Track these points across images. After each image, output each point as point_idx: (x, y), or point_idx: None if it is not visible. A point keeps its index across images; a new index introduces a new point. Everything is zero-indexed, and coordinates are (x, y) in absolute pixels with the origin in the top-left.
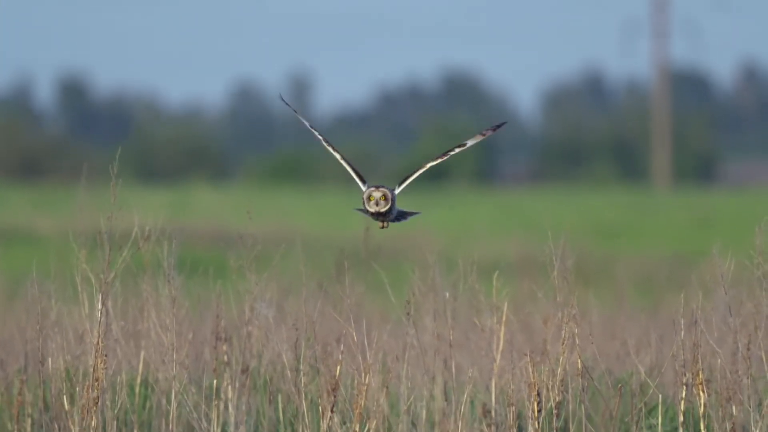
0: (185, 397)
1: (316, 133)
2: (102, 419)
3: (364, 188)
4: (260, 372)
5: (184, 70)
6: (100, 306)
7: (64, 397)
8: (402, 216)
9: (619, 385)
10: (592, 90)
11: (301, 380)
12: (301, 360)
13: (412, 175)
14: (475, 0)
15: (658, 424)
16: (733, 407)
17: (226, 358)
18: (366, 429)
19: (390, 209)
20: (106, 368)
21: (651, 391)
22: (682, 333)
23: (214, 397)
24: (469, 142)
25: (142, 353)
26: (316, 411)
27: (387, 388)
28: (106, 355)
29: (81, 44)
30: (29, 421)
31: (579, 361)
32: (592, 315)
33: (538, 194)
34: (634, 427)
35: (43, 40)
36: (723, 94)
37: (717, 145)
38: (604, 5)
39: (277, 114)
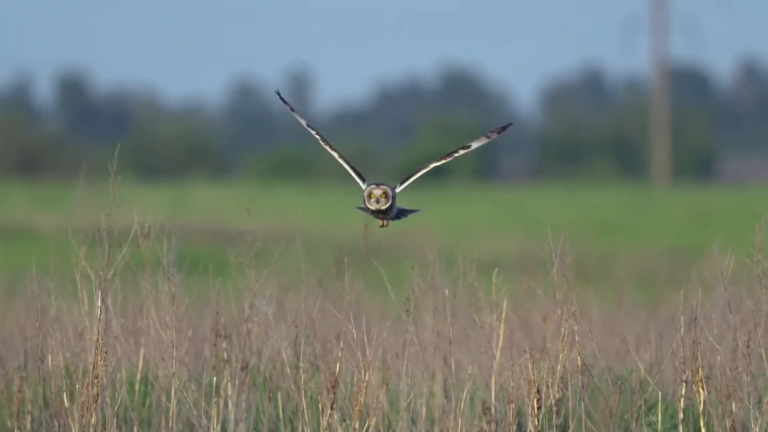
0: (185, 394)
1: (314, 132)
2: (102, 416)
3: (363, 186)
4: (260, 369)
5: (183, 68)
6: (99, 303)
7: (64, 394)
8: (402, 213)
9: (619, 383)
10: (591, 87)
11: (300, 377)
12: (301, 357)
13: (414, 174)
14: None
15: (657, 421)
16: (733, 404)
17: (225, 355)
18: (366, 426)
19: (390, 207)
20: (105, 365)
21: (651, 388)
22: (682, 330)
23: (213, 394)
24: (474, 144)
25: (142, 350)
26: (316, 408)
27: (387, 385)
28: (105, 352)
29: (80, 41)
30: (29, 418)
31: (579, 358)
32: (591, 312)
33: (537, 191)
34: (634, 424)
35: (42, 38)
36: (722, 91)
37: (716, 142)
38: (603, 2)
39: (277, 111)
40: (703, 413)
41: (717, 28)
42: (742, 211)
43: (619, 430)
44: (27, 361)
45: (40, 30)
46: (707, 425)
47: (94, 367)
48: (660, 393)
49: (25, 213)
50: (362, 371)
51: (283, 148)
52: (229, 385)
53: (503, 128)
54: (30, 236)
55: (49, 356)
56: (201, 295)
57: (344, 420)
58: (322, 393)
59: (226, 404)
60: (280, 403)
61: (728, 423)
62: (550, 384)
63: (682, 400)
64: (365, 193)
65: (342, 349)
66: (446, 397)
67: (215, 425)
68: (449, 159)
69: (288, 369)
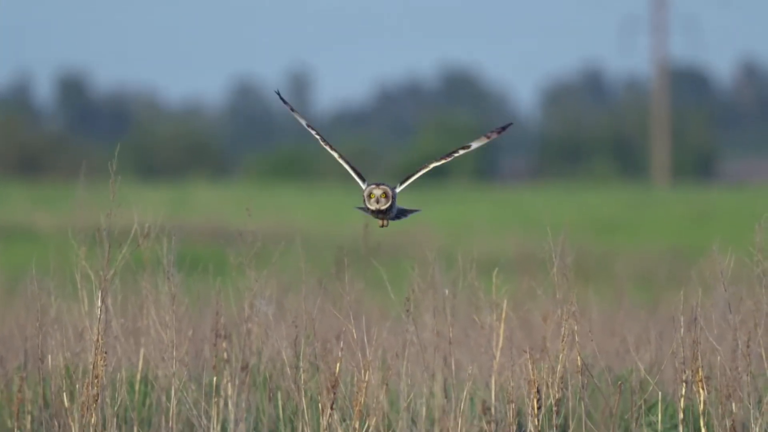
0: (185, 395)
1: (314, 132)
2: (102, 416)
3: (363, 186)
4: (260, 369)
5: (183, 68)
6: (99, 303)
7: (64, 394)
8: (402, 213)
9: (619, 383)
10: (591, 87)
11: (300, 377)
12: (301, 357)
13: (414, 174)
14: None
15: (657, 421)
16: (733, 404)
17: (225, 355)
18: (366, 426)
19: (390, 207)
20: (105, 365)
21: (651, 388)
22: (682, 330)
23: (213, 394)
24: (474, 145)
25: (142, 350)
26: (316, 408)
27: (387, 385)
28: (105, 352)
29: (81, 41)
30: (29, 418)
31: (579, 358)
32: (591, 312)
33: (537, 191)
34: (634, 424)
35: (42, 38)
36: (722, 91)
37: (716, 141)
38: (603, 2)
39: (277, 111)
40: (703, 413)
41: (717, 28)
42: (742, 210)
43: (619, 430)
44: (27, 361)
45: (40, 30)
46: (707, 425)
47: (94, 367)
48: (660, 393)
49: (25, 213)
50: (362, 371)
51: (283, 148)
52: (229, 385)
53: (503, 128)
54: (30, 236)
55: (49, 356)
56: (201, 295)
57: (344, 420)
58: (322, 393)
59: (226, 404)
60: (280, 403)
61: (728, 423)
62: (550, 384)
63: (682, 400)
64: (365, 193)
65: (342, 349)
66: (446, 397)
67: (215, 425)
68: (449, 159)
69: (288, 369)
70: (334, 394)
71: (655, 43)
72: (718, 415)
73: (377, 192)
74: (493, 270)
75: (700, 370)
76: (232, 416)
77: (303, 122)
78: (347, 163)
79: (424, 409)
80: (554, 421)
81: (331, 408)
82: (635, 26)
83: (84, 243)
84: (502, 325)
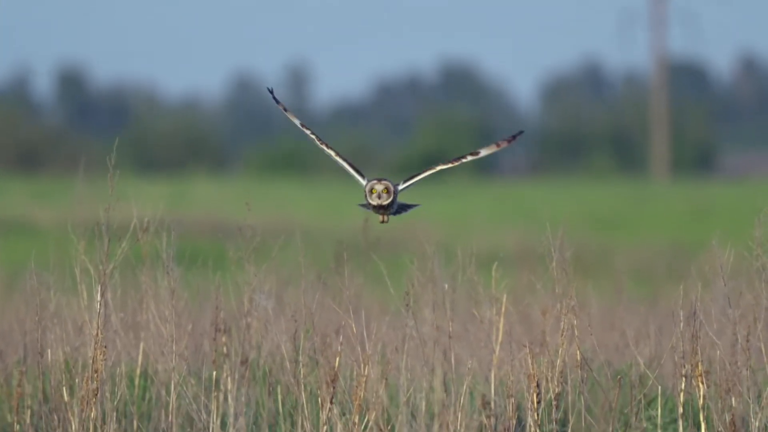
0: (185, 389)
1: (308, 132)
2: (101, 411)
3: (363, 182)
4: (259, 363)
5: (182, 62)
6: (99, 297)
7: (64, 388)
8: (402, 208)
9: (619, 377)
10: (590, 82)
11: (300, 371)
12: (300, 351)
13: (419, 174)
14: None
15: (657, 415)
16: (733, 399)
17: (225, 349)
18: (365, 420)
19: (392, 202)
20: (105, 360)
21: (650, 382)
22: (682, 324)
23: (213, 388)
24: (483, 152)
25: (142, 345)
26: (316, 402)
27: (386, 379)
28: (105, 347)
29: (80, 36)
30: (29, 412)
31: (578, 352)
32: (591, 306)
33: (537, 185)
34: (634, 418)
35: (41, 32)
36: (721, 86)
37: (715, 136)
38: None
39: (276, 106)
40: (703, 407)
41: (716, 23)
42: (741, 205)
43: (618, 424)
44: (26, 356)
45: (39, 25)
46: (707, 420)
47: (93, 362)
48: (659, 387)
49: (24, 207)
50: (362, 365)
51: (282, 142)
52: (229, 379)
53: (513, 137)
54: (29, 231)
55: (49, 351)
56: (200, 289)
57: (344, 414)
58: (321, 387)
59: (225, 398)
60: (279, 397)
61: (728, 417)
62: (549, 378)
63: (682, 394)
64: (367, 189)
65: (341, 344)
66: (446, 391)
67: (215, 419)
68: (456, 164)
69: (287, 363)
70: (334, 388)
71: (655, 38)
72: (717, 409)
73: (379, 187)
74: (493, 264)
75: (699, 364)
76: (231, 410)
77: (297, 122)
78: (345, 161)
79: (423, 403)
80: (554, 416)
81: (331, 402)
82: (634, 21)
83: (83, 237)
84: (502, 319)
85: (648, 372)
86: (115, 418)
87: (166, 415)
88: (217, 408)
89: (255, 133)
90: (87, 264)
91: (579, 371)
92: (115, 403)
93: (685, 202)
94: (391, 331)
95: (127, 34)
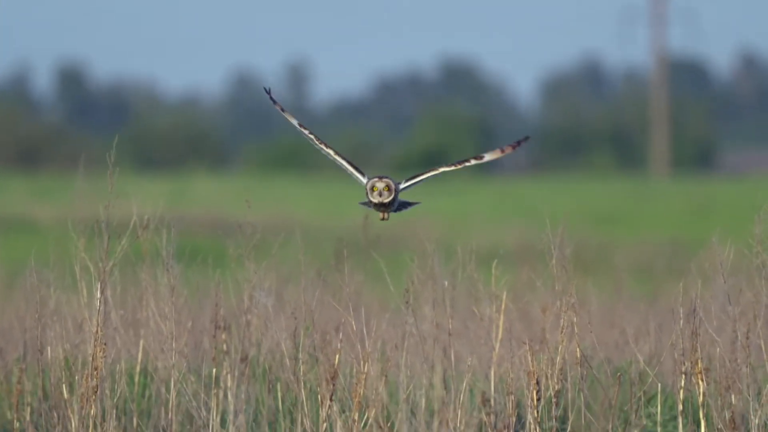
0: (184, 386)
1: (306, 132)
2: (101, 408)
3: (364, 181)
4: (259, 361)
5: (182, 59)
6: (98, 295)
7: (64, 385)
8: (403, 206)
9: (618, 374)
10: (590, 79)
11: (300, 369)
12: (300, 349)
13: (422, 174)
14: None
15: (657, 412)
16: (732, 396)
17: (225, 346)
18: (365, 417)
19: (393, 200)
20: (105, 357)
21: (650, 379)
22: (681, 322)
23: (213, 385)
24: (487, 156)
25: (141, 342)
26: (315, 399)
27: (386, 376)
28: (105, 344)
29: (79, 33)
30: (28, 409)
31: (578, 349)
32: (590, 303)
33: (536, 183)
34: (633, 415)
35: (41, 29)
36: (721, 83)
37: (715, 133)
38: None
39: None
40: (703, 405)
41: (716, 19)
42: (741, 202)
43: (618, 421)
44: (26, 353)
45: (39, 22)
46: (706, 417)
47: (93, 359)
48: (659, 384)
49: (24, 205)
50: (361, 363)
51: (282, 139)
52: (229, 376)
53: (518, 143)
54: (29, 228)
55: (49, 348)
56: (200, 286)
57: (343, 411)
58: (321, 384)
59: (225, 396)
60: (279, 394)
61: (727, 415)
62: (549, 375)
63: (682, 391)
64: (368, 186)
65: (341, 341)
66: (446, 388)
67: (215, 416)
68: (459, 167)
69: (287, 360)
70: (334, 385)
71: (655, 35)
72: (717, 406)
73: (380, 185)
74: (493, 261)
75: (699, 361)
76: (231, 407)
77: (294, 122)
78: (344, 159)
79: (423, 400)
80: (553, 413)
81: (331, 399)
82: (634, 18)
83: (83, 235)
84: (502, 316)
85: (648, 369)
86: (114, 416)
87: (166, 413)
88: (217, 405)
89: (255, 130)
90: (87, 261)
91: (579, 368)
92: (115, 400)
93: (685, 199)
94: (391, 329)
95: (126, 32)
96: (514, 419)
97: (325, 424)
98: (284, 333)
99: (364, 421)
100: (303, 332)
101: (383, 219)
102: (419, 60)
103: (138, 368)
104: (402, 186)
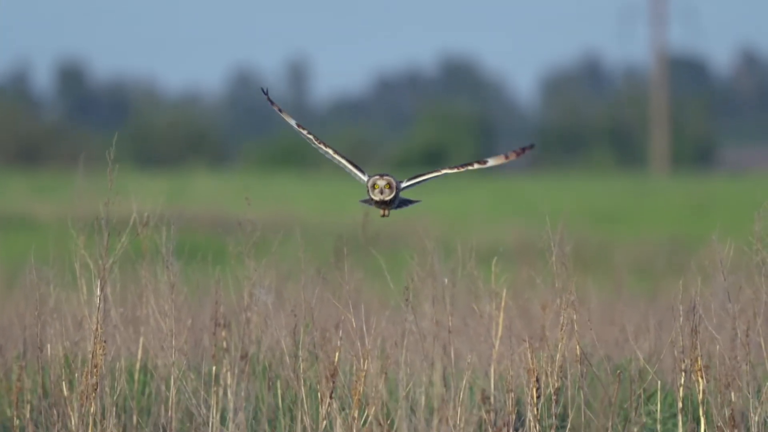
0: (184, 384)
1: (304, 132)
2: (101, 405)
3: (365, 179)
4: (259, 358)
5: (182, 57)
6: (98, 292)
7: (63, 383)
8: (403, 203)
9: (618, 372)
10: (590, 76)
11: (299, 366)
12: (300, 346)
13: (424, 175)
14: None
15: (657, 410)
16: (732, 394)
17: (225, 344)
18: (365, 415)
19: (394, 198)
20: (105, 354)
21: (650, 377)
22: (681, 319)
23: (213, 383)
24: (490, 161)
25: (141, 339)
26: (315, 397)
27: (386, 374)
28: (105, 342)
29: (79, 30)
30: (28, 407)
31: (578, 347)
32: (590, 301)
33: (536, 180)
34: (633, 413)
35: (41, 27)
36: (721, 80)
37: (715, 130)
38: None
39: (276, 100)
40: (702, 402)
41: (715, 17)
42: (741, 199)
43: (618, 419)
44: (26, 350)
45: (39, 19)
46: (706, 414)
47: (93, 356)
48: (659, 382)
49: (24, 202)
50: (361, 360)
51: (282, 137)
52: (229, 374)
53: (523, 149)
54: (29, 225)
55: (48, 345)
56: (200, 284)
57: (343, 409)
58: (321, 382)
59: (225, 393)
60: (279, 392)
61: (727, 412)
62: (549, 373)
63: (681, 389)
64: (369, 184)
65: (341, 338)
66: (445, 386)
67: (214, 414)
68: (462, 170)
69: (287, 358)
70: (333, 383)
71: (654, 33)
72: (717, 404)
73: (381, 183)
74: (492, 259)
75: (699, 359)
76: (231, 405)
77: (292, 123)
78: (343, 158)
79: (423, 398)
80: (553, 410)
81: (330, 397)
82: (634, 15)
83: (83, 232)
84: (502, 314)
85: (647, 367)
86: (114, 413)
87: (166, 410)
88: (217, 403)
89: (255, 127)
90: (87, 259)
91: (578, 366)
92: (115, 397)
93: (684, 196)
94: (391, 326)
95: (126, 29)
96: (513, 417)
97: (324, 422)
98: (284, 330)
99: (363, 419)
100: (303, 330)
101: (384, 215)
102: (419, 58)
103: (138, 366)
104: (403, 185)
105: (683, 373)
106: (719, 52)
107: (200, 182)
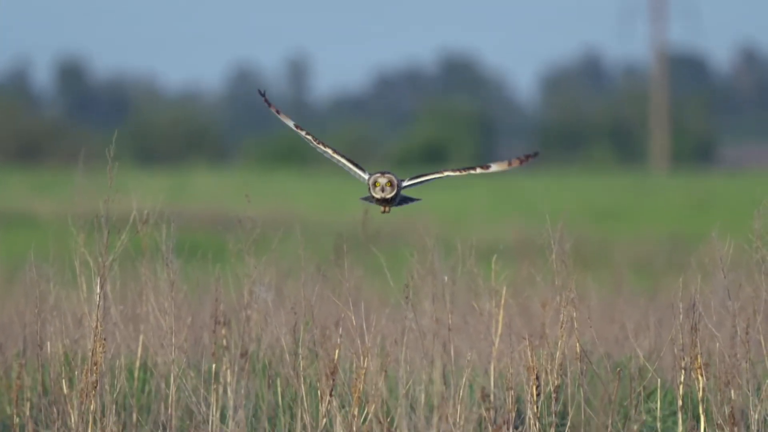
0: (184, 381)
1: (303, 133)
2: (101, 403)
3: (365, 176)
4: (259, 356)
5: (182, 54)
6: (98, 290)
7: (63, 381)
8: (403, 201)
9: (618, 369)
10: (590, 73)
11: (299, 364)
12: (300, 344)
13: (425, 175)
14: None
15: (656, 408)
16: (732, 391)
17: (224, 342)
18: (365, 412)
19: (395, 195)
20: (104, 352)
21: (650, 375)
22: (681, 317)
23: (213, 381)
24: (493, 167)
25: (141, 337)
26: (315, 395)
27: (386, 371)
28: (104, 339)
29: (79, 28)
30: (28, 405)
31: (577, 344)
32: (590, 298)
33: (536, 178)
34: (633, 411)
35: (41, 24)
36: (721, 77)
37: (715, 128)
38: None
39: (276, 97)
40: (702, 400)
41: (715, 14)
42: (741, 197)
43: (618, 416)
44: (26, 348)
45: (39, 16)
46: (706, 412)
47: (93, 354)
48: (659, 380)
49: (24, 199)
50: (361, 358)
51: (282, 134)
52: (229, 371)
53: (527, 157)
54: (29, 223)
55: (48, 343)
56: (200, 281)
57: (343, 407)
58: (321, 380)
59: (225, 391)
60: (279, 389)
61: (727, 410)
62: (549, 371)
63: (681, 386)
64: (370, 182)
65: (341, 336)
66: (445, 383)
67: (214, 412)
68: (464, 173)
69: (287, 356)
70: (333, 380)
71: (654, 30)
72: (716, 401)
73: (382, 180)
74: (492, 257)
75: (699, 356)
76: (231, 403)
77: (290, 124)
78: (343, 157)
79: (423, 395)
80: (553, 408)
81: (330, 395)
82: (634, 12)
83: (83, 230)
84: (501, 311)
85: (647, 364)
86: (114, 411)
87: (166, 408)
88: (217, 400)
89: (255, 125)
90: (87, 256)
91: (578, 364)
92: (115, 395)
93: (684, 194)
94: (391, 324)
95: (126, 27)
96: (513, 414)
97: (324, 420)
98: (284, 328)
99: (363, 417)
100: (303, 327)
101: (384, 211)
102: (419, 55)
103: (138, 363)
104: (405, 184)
105: (683, 371)
106: (719, 50)
107: (200, 180)
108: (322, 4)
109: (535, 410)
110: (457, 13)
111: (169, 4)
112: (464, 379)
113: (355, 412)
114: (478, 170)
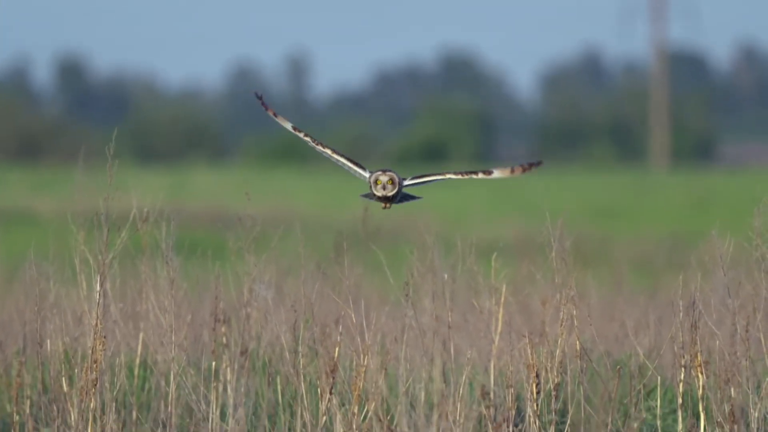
0: (184, 379)
1: (301, 135)
2: (101, 401)
3: (366, 175)
4: (259, 354)
5: (182, 51)
6: (98, 288)
7: (63, 378)
8: (404, 198)
9: (618, 367)
10: (590, 71)
11: (299, 362)
12: (300, 341)
13: (427, 176)
14: None
15: (656, 405)
16: (732, 389)
17: (224, 339)
18: (364, 410)
19: (396, 193)
20: (104, 350)
21: (650, 373)
22: (681, 315)
23: (212, 378)
24: (496, 173)
25: (141, 335)
26: (315, 393)
27: (385, 369)
28: (104, 337)
29: (79, 25)
30: (28, 402)
31: (577, 342)
32: (590, 296)
33: (536, 176)
34: (633, 408)
35: (41, 21)
36: (721, 75)
37: (715, 126)
38: None
39: (276, 95)
40: (702, 398)
41: (715, 12)
42: (741, 195)
43: (618, 414)
44: (26, 346)
45: (39, 14)
46: (706, 410)
47: (93, 352)
48: (659, 378)
49: (24, 197)
50: (361, 356)
51: (281, 132)
52: (228, 369)
53: (530, 165)
54: (29, 221)
55: (48, 341)
56: (200, 279)
57: (343, 404)
58: (321, 377)
59: (225, 389)
60: (279, 387)
61: (727, 408)
62: (549, 368)
63: (681, 384)
64: (372, 180)
65: (341, 334)
66: (445, 381)
67: (214, 410)
68: (465, 177)
69: (287, 353)
70: (333, 378)
71: (654, 28)
72: (716, 399)
73: (384, 178)
74: (492, 254)
75: (698, 354)
76: (231, 401)
77: (288, 126)
78: (343, 156)
79: (422, 393)
80: (553, 406)
81: (330, 392)
82: (634, 11)
83: (83, 227)
84: (501, 309)
85: (647, 362)
86: (114, 409)
87: (166, 406)
88: (217, 398)
89: (254, 123)
90: (86, 254)
91: (578, 361)
92: (115, 393)
93: (684, 192)
94: (391, 322)
95: (126, 24)
96: (513, 412)
97: (324, 417)
98: (284, 326)
99: (363, 414)
100: (303, 325)
101: (385, 208)
102: (419, 53)
103: (137, 361)
104: (406, 183)
105: (683, 369)
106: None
107: (200, 177)
108: (322, 2)
109: (535, 408)
110: (458, 11)
111: (169, 2)
112: (464, 377)
113: (355, 410)
114: (480, 175)
